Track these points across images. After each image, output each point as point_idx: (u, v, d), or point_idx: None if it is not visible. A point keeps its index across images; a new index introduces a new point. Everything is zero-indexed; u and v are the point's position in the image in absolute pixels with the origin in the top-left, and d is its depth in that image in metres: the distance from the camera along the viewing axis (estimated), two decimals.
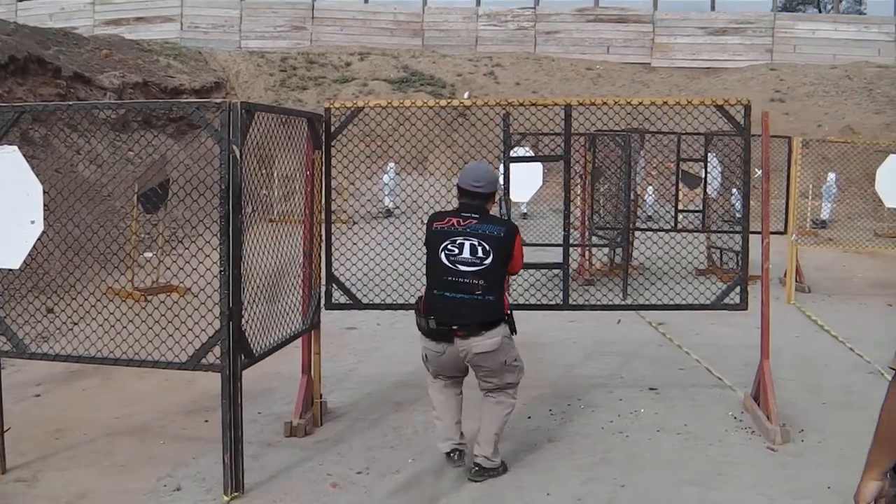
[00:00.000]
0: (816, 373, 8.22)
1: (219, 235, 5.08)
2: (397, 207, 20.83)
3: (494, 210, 5.77)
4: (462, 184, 5.48)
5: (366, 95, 27.82)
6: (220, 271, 5.07)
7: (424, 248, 5.55)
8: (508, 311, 5.49)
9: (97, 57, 21.71)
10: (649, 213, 18.85)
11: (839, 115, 27.11)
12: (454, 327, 5.27)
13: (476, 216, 5.39)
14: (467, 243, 5.29)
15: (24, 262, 5.62)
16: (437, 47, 32.81)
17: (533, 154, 10.26)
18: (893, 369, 2.65)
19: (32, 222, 5.51)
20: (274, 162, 6.57)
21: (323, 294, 6.74)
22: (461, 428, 5.61)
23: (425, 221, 5.58)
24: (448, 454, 5.51)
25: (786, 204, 13.20)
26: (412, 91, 28.54)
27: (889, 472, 2.71)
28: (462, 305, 5.26)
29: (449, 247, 5.32)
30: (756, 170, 8.51)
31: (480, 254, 5.27)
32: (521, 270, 5.74)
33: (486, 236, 5.31)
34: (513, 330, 5.49)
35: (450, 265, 5.30)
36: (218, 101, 5.18)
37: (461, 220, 5.39)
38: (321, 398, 6.72)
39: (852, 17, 35.85)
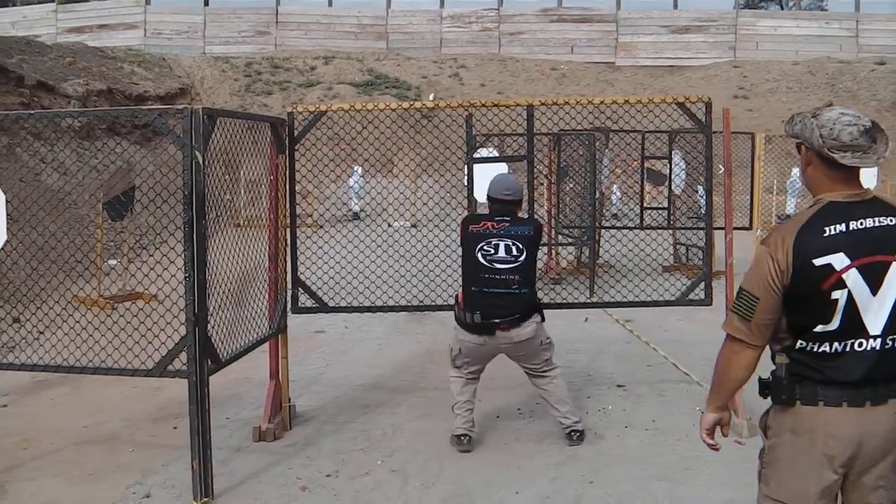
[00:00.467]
0: None
1: (183, 242, 5.07)
2: (362, 210, 20.81)
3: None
4: (494, 193, 6.12)
5: (331, 99, 27.82)
6: (185, 277, 5.06)
7: (460, 248, 6.16)
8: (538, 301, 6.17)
9: (61, 65, 21.58)
10: (615, 211, 18.95)
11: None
12: (497, 321, 5.85)
13: (508, 219, 6.02)
14: (502, 244, 5.92)
15: None
16: (402, 50, 32.85)
17: (498, 154, 10.27)
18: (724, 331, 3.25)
19: None
20: (240, 167, 6.56)
21: (290, 298, 6.73)
22: (473, 415, 6.23)
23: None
24: (459, 437, 6.13)
25: (750, 199, 13.31)
26: (377, 94, 28.57)
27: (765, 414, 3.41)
28: (500, 298, 5.87)
29: (485, 247, 5.93)
30: (720, 166, 8.56)
31: (515, 252, 5.89)
32: None
33: (518, 236, 5.94)
34: (542, 318, 6.09)
35: (486, 264, 5.91)
36: (180, 107, 5.17)
37: (495, 224, 5.99)
38: (290, 402, 6.72)
39: (814, 13, 36.26)
